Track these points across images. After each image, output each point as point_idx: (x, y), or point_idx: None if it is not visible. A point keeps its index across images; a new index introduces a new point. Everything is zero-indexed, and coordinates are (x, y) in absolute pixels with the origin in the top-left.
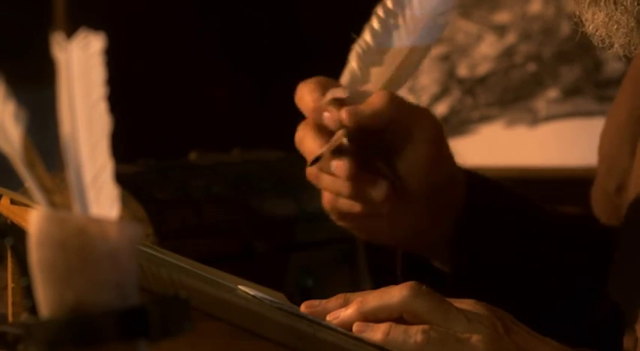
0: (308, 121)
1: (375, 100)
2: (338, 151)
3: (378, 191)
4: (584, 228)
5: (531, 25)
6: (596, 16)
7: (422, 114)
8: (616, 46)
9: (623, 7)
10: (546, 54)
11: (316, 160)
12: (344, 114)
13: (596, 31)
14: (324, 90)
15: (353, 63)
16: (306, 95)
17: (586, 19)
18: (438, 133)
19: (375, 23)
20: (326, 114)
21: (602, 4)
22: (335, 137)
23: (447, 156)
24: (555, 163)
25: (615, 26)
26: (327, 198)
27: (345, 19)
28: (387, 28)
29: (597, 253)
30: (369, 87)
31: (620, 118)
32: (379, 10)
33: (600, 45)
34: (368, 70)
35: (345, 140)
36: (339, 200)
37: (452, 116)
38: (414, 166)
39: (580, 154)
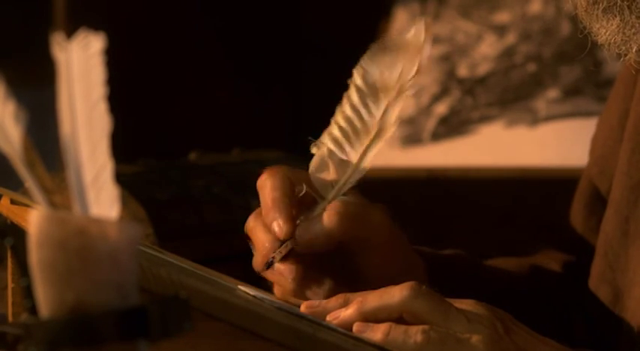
0: (260, 211)
1: (327, 224)
2: (287, 253)
3: (318, 296)
4: (541, 281)
5: (531, 25)
6: (610, 23)
7: (373, 218)
8: (634, 50)
9: (638, 11)
10: (546, 54)
11: (268, 265)
12: (296, 233)
13: (612, 38)
14: (288, 182)
15: (324, 149)
16: (268, 185)
17: (599, 28)
18: (390, 232)
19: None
20: (275, 227)
21: (615, 10)
22: (284, 245)
23: (401, 246)
24: (555, 163)
25: (632, 30)
26: (275, 289)
27: (345, 20)
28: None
29: (559, 298)
30: (335, 177)
31: (613, 121)
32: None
33: (616, 52)
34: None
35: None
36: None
37: (452, 116)
38: (371, 267)
39: (580, 154)
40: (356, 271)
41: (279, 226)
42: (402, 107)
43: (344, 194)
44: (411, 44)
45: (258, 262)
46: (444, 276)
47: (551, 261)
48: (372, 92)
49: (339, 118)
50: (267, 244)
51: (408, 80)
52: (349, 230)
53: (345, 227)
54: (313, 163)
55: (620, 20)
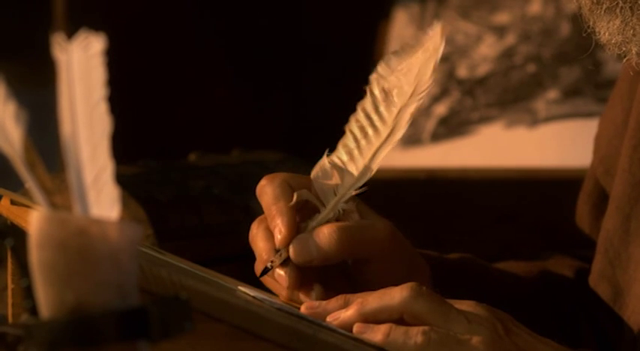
0: (263, 218)
1: (324, 246)
2: (285, 260)
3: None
4: (546, 285)
5: (531, 26)
6: (611, 24)
7: (375, 235)
8: (633, 52)
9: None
10: (546, 55)
11: (265, 271)
12: (291, 252)
13: (612, 39)
14: (288, 189)
15: (331, 157)
16: (268, 192)
17: (600, 27)
18: (393, 244)
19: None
20: (277, 234)
21: (617, 11)
22: (278, 254)
23: (405, 254)
24: (555, 163)
25: (632, 31)
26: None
27: (345, 21)
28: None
29: (565, 302)
30: (338, 183)
31: (617, 119)
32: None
33: (616, 52)
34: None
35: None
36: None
37: (452, 117)
38: (373, 276)
39: (579, 154)
40: (357, 277)
41: (280, 233)
42: (415, 110)
43: (346, 201)
44: (428, 48)
45: (257, 269)
46: (450, 281)
47: (564, 267)
48: (386, 98)
49: (352, 126)
50: (264, 255)
51: (424, 83)
52: (347, 253)
53: (342, 252)
54: (316, 169)
55: (622, 21)
